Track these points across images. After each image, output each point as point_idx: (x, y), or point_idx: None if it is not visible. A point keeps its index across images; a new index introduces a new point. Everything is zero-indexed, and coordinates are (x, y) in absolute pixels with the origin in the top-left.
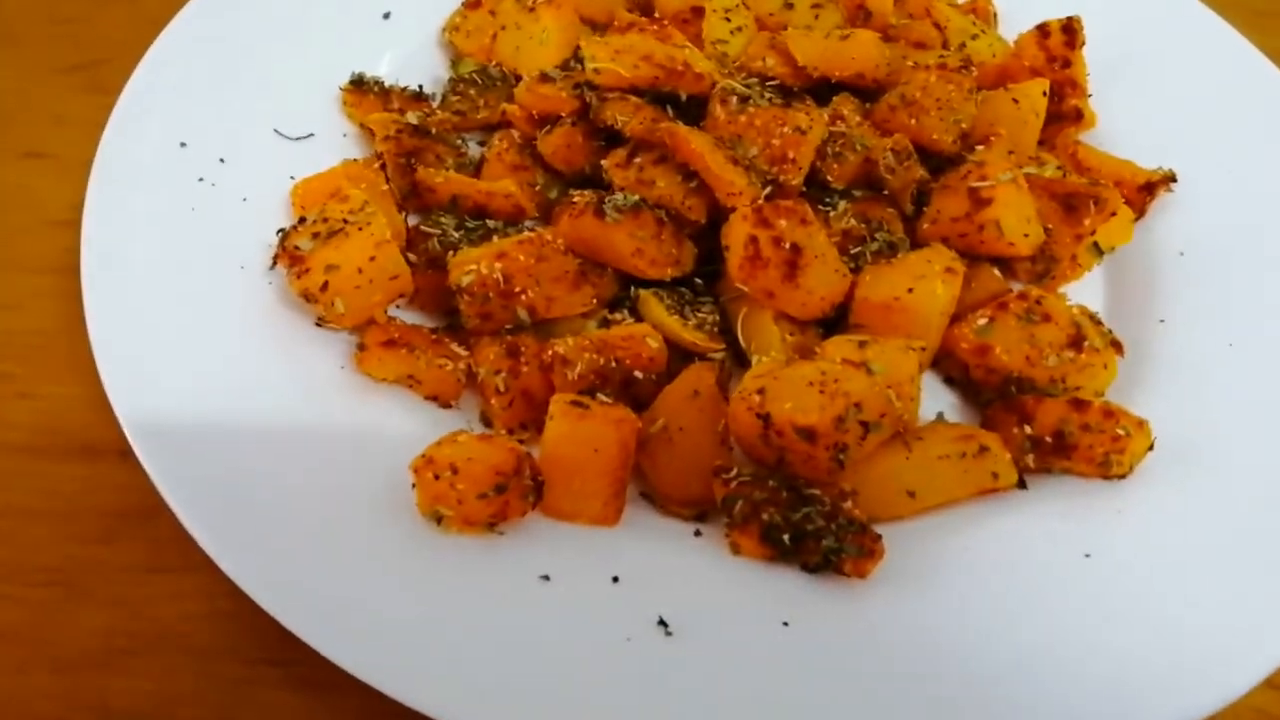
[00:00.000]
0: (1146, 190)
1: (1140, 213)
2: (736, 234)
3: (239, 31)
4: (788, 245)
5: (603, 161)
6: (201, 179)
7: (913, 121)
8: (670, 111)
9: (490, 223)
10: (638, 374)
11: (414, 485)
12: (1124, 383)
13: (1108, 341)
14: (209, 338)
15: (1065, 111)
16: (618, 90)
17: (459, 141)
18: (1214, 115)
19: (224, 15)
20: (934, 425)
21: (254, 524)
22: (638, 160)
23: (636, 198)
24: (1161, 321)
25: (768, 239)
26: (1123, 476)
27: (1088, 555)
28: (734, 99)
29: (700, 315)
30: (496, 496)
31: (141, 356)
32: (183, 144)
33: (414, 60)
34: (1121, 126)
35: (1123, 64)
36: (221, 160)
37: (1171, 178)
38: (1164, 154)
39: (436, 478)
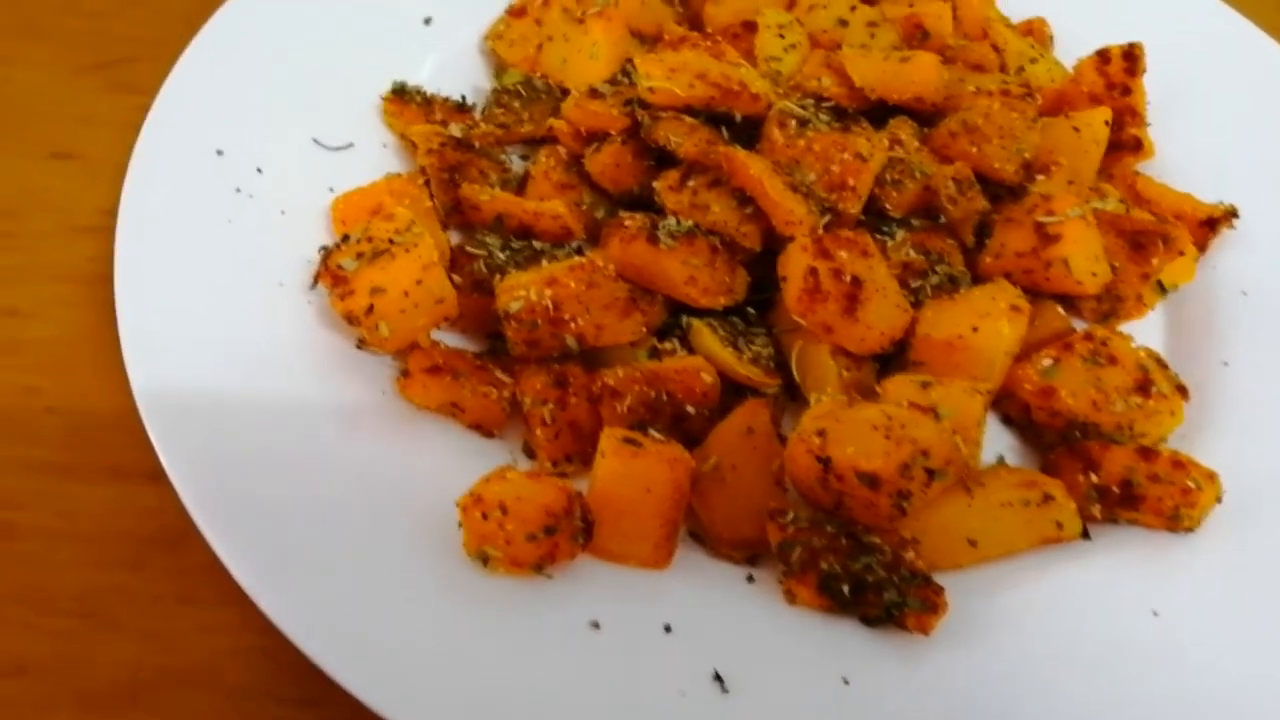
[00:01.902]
0: (1208, 226)
1: (1201, 249)
2: (795, 265)
3: (275, 35)
4: (848, 278)
5: (654, 183)
6: (239, 189)
7: (974, 149)
8: (724, 133)
9: (536, 244)
10: (690, 408)
11: (460, 524)
12: (1186, 428)
13: (1174, 386)
14: (247, 358)
15: (1124, 141)
16: (671, 109)
17: (502, 156)
18: (1276, 148)
19: (259, 18)
20: (996, 470)
21: (291, 558)
22: (691, 184)
23: (690, 223)
24: (1225, 364)
25: (828, 271)
26: (1191, 530)
27: (1155, 613)
28: (793, 122)
29: (754, 348)
30: (546, 538)
31: (177, 376)
32: (219, 152)
33: (455, 67)
34: (1180, 157)
35: (1180, 92)
36: (259, 170)
37: (1233, 213)
38: (1223, 187)
39: (485, 517)
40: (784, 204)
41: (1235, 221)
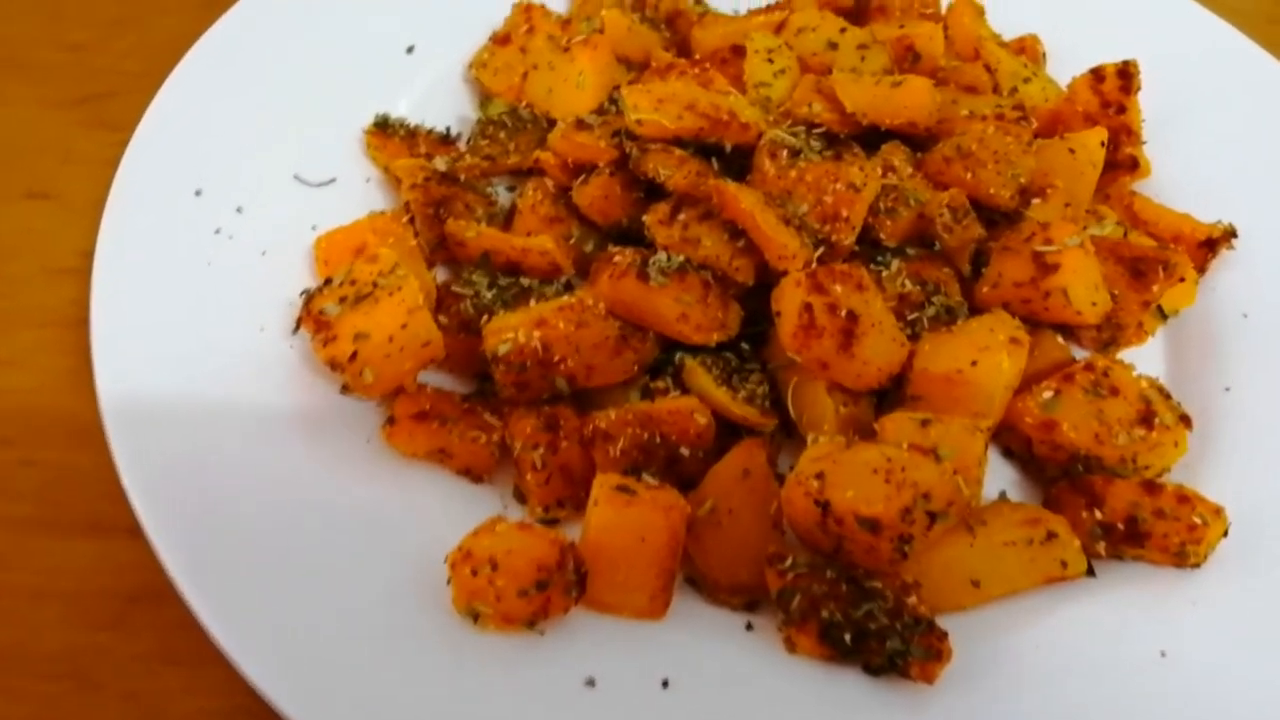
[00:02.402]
0: (1207, 247)
1: (1201, 271)
2: (789, 301)
3: (254, 68)
4: (844, 313)
5: (644, 217)
6: (218, 230)
7: (969, 175)
8: (715, 164)
9: (524, 280)
10: (684, 450)
11: (449, 580)
12: (1189, 456)
13: (1177, 417)
14: (228, 407)
15: (1120, 160)
16: (660, 141)
17: (489, 189)
18: (1273, 164)
19: (239, 51)
20: (998, 506)
21: (272, 616)
22: (681, 217)
23: (681, 258)
24: (1227, 389)
25: (822, 306)
26: (1197, 566)
27: (1163, 654)
28: (784, 153)
29: (749, 386)
30: (538, 593)
31: (155, 426)
32: (198, 192)
33: (439, 96)
34: (1176, 174)
35: (1175, 108)
36: (239, 210)
37: (1232, 233)
38: (1220, 204)
39: (474, 573)
40: (777, 238)
41: (1234, 242)
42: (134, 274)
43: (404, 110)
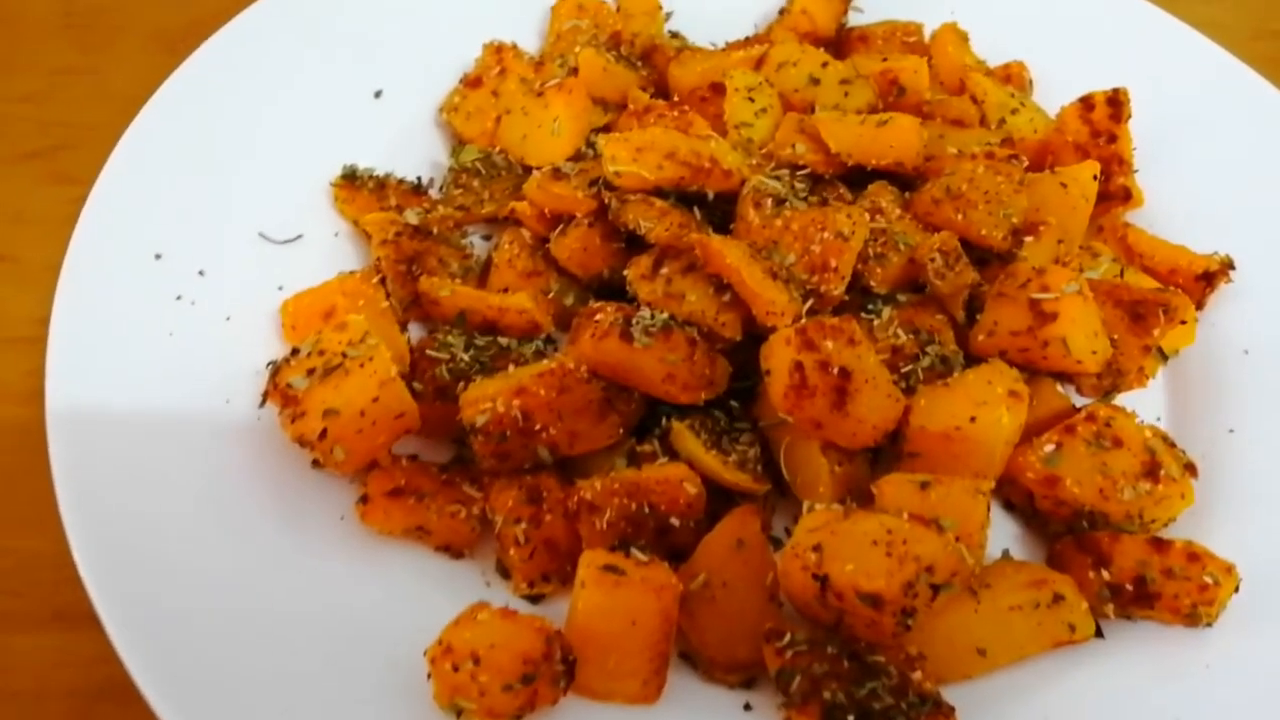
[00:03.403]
0: (1205, 280)
1: (1199, 306)
2: (779, 359)
3: (215, 120)
4: (835, 370)
5: (626, 272)
6: (179, 296)
7: (959, 216)
8: (697, 211)
9: (502, 340)
10: (674, 521)
11: (429, 675)
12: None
13: (1183, 466)
14: (192, 487)
15: (1113, 191)
16: (639, 191)
17: (463, 241)
18: (1270, 192)
19: (198, 102)
20: (1001, 567)
21: (243, 716)
22: (664, 271)
23: (665, 316)
24: (1231, 431)
25: (814, 364)
26: (1209, 625)
27: None
28: (768, 201)
29: (740, 448)
30: (524, 687)
31: (114, 508)
32: (157, 256)
33: (409, 143)
34: (1168, 203)
35: (1164, 132)
36: (201, 273)
37: (1230, 264)
38: (1214, 231)
39: (455, 668)
40: (764, 294)
41: (1231, 274)
42: (92, 345)
43: (373, 159)
